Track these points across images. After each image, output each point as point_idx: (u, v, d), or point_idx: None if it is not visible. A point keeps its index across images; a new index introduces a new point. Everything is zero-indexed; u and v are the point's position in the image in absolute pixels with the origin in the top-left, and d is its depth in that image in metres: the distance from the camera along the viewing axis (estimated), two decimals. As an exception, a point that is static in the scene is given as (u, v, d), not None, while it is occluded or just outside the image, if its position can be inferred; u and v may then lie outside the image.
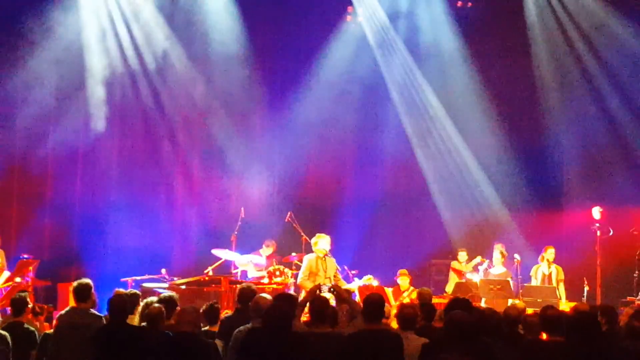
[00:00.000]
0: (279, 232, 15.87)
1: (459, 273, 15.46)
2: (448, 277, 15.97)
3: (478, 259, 14.99)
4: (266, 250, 14.86)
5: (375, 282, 14.01)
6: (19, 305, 8.61)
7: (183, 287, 13.55)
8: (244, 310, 8.39)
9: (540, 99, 17.06)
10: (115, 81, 16.35)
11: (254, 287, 8.91)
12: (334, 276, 12.21)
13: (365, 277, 13.53)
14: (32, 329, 8.51)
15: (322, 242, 12.40)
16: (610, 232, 14.90)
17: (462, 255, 15.64)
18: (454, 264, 15.76)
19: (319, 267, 12.12)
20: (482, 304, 12.52)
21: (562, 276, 13.82)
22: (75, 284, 8.50)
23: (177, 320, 7.40)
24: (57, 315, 8.67)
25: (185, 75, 16.78)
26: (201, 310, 8.61)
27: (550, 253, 14.00)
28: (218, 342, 7.76)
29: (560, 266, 14.06)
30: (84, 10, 15.99)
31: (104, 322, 8.04)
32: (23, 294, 8.78)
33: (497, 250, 14.39)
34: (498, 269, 14.24)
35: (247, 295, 8.54)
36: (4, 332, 7.94)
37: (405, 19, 17.31)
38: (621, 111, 16.41)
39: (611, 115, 16.45)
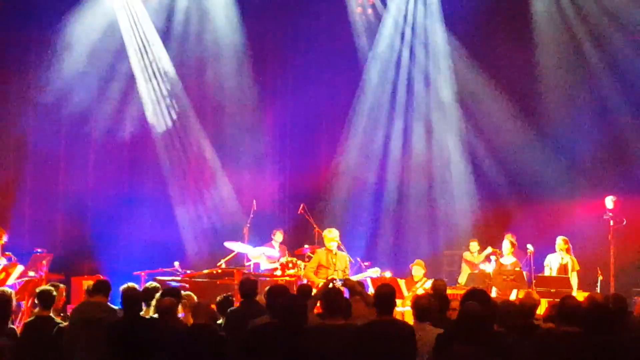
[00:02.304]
0: (292, 224, 15.90)
1: (471, 264, 15.43)
2: (460, 268, 15.94)
3: (489, 249, 14.95)
4: (277, 239, 14.93)
5: (388, 274, 13.98)
6: (46, 298, 8.26)
7: (196, 279, 13.59)
8: (248, 303, 8.42)
9: (551, 88, 16.96)
10: (124, 76, 16.42)
11: (253, 278, 8.89)
12: (343, 271, 12.18)
13: (373, 269, 13.46)
14: (63, 323, 8.30)
15: (330, 236, 12.41)
16: (623, 221, 14.81)
17: (474, 245, 15.60)
18: (466, 254, 15.73)
19: (329, 261, 12.10)
20: (493, 294, 12.49)
21: (576, 266, 13.76)
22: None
23: (193, 312, 7.42)
24: (72, 310, 8.65)
25: (196, 69, 16.80)
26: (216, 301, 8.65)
27: (557, 243, 13.91)
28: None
29: (574, 256, 14.01)
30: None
31: (119, 315, 8.04)
32: (50, 288, 8.47)
33: (507, 240, 14.36)
34: (508, 258, 14.22)
35: (249, 288, 8.59)
36: (12, 326, 7.78)
37: (415, 11, 17.27)
38: (633, 99, 16.32)
39: (623, 104, 16.36)
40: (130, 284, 8.02)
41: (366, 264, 13.79)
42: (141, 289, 8.67)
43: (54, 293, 8.44)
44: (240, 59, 16.94)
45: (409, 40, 17.38)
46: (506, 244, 14.24)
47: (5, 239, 14.00)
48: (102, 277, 13.71)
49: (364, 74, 17.45)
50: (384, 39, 17.42)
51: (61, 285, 9.53)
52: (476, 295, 7.36)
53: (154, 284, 9.30)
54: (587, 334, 6.36)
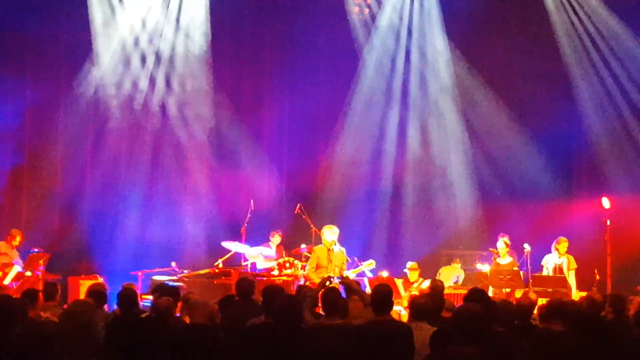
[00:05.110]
0: (289, 224, 15.88)
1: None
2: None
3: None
4: (274, 241, 14.90)
5: (385, 273, 13.98)
6: (28, 298, 8.14)
7: (193, 279, 13.60)
8: (245, 303, 8.42)
9: (549, 88, 16.96)
10: (123, 75, 16.42)
11: (251, 278, 8.90)
12: (340, 267, 12.22)
13: (367, 262, 13.39)
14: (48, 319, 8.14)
15: (327, 233, 12.47)
16: (620, 221, 14.83)
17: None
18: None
19: (328, 257, 12.15)
20: (490, 294, 12.49)
21: (573, 266, 13.78)
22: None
23: (189, 312, 7.41)
24: (62, 311, 8.60)
25: (193, 68, 16.79)
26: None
27: (562, 245, 13.92)
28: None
29: (571, 255, 14.03)
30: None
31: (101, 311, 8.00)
32: (32, 289, 8.46)
33: (502, 240, 14.36)
34: (504, 259, 14.24)
35: (246, 288, 8.59)
36: None
37: (418, 8, 17.29)
38: (633, 98, 16.34)
39: (622, 103, 16.38)
40: (128, 283, 8.03)
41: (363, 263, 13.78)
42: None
43: (36, 292, 8.38)
44: (239, 58, 16.94)
45: (406, 40, 17.35)
46: (501, 245, 14.27)
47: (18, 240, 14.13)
48: (99, 277, 13.74)
49: (361, 73, 17.41)
50: (380, 39, 17.39)
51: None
52: (476, 295, 7.37)
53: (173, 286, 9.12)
54: (583, 335, 6.36)
